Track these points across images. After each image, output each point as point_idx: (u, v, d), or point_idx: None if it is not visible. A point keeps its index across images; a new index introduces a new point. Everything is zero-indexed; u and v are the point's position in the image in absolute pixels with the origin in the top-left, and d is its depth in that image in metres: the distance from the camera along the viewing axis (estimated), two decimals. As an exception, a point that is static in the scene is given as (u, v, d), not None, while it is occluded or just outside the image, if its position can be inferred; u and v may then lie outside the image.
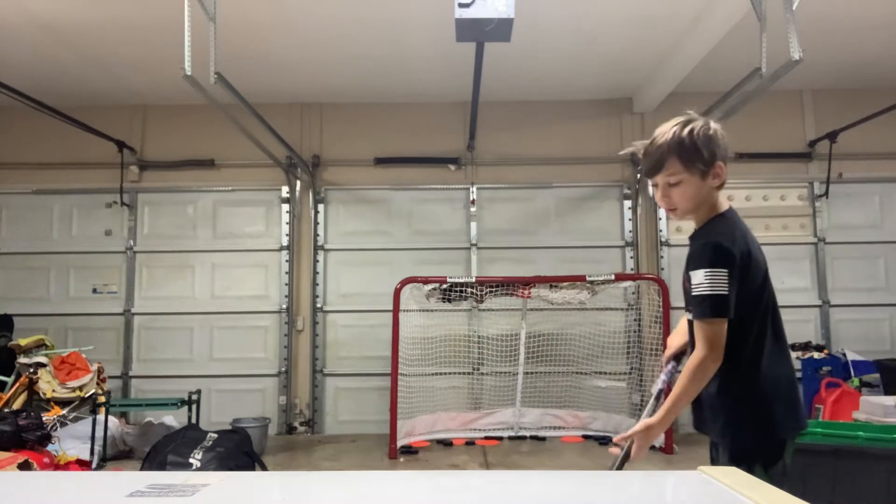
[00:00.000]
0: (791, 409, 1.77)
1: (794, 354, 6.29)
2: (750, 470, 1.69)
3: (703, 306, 1.71)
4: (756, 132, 6.85)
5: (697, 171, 1.77)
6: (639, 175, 7.09)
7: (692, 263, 1.75)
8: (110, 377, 6.37)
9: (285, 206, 7.18)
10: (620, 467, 1.76)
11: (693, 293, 1.73)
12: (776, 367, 1.77)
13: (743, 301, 1.73)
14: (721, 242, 1.71)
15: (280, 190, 7.18)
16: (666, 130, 1.80)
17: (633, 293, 6.86)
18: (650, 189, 7.10)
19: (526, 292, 6.23)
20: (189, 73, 4.16)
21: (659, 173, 1.82)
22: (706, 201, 1.82)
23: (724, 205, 1.85)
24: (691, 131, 1.76)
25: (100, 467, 5.16)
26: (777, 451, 1.75)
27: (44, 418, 4.62)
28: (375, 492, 1.08)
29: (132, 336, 7.08)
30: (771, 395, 1.75)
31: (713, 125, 1.79)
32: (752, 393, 1.75)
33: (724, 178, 1.80)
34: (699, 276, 1.71)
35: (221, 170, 7.20)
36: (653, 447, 5.84)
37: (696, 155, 1.75)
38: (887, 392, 5.63)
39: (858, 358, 6.23)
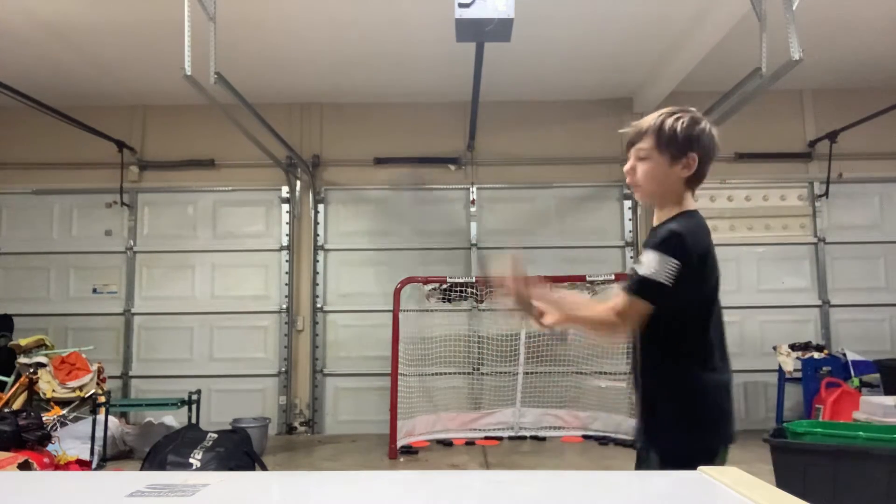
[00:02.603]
0: (726, 417, 1.74)
1: (794, 354, 6.30)
2: None
3: (638, 284, 1.68)
4: (756, 132, 6.85)
5: (668, 153, 1.78)
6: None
7: (650, 244, 1.74)
8: (110, 377, 6.37)
9: (285, 206, 7.18)
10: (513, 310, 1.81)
11: (636, 268, 1.71)
12: (717, 374, 1.74)
13: (694, 301, 1.72)
14: (685, 235, 1.69)
15: (280, 190, 7.18)
16: (658, 113, 1.84)
17: (633, 293, 6.84)
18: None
19: (526, 292, 6.21)
20: (189, 73, 4.16)
21: (633, 146, 1.85)
22: (672, 191, 1.81)
23: (692, 204, 1.84)
24: (677, 118, 1.79)
25: (100, 467, 5.16)
26: (708, 460, 1.69)
27: (44, 418, 4.62)
28: (375, 492, 1.08)
29: (132, 336, 7.08)
30: (710, 399, 1.72)
31: (705, 124, 1.80)
32: (689, 394, 1.71)
33: (694, 173, 1.78)
34: (649, 256, 1.69)
35: (221, 170, 7.20)
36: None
37: (670, 138, 1.77)
38: (887, 392, 5.63)
39: (858, 358, 6.23)
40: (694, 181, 1.81)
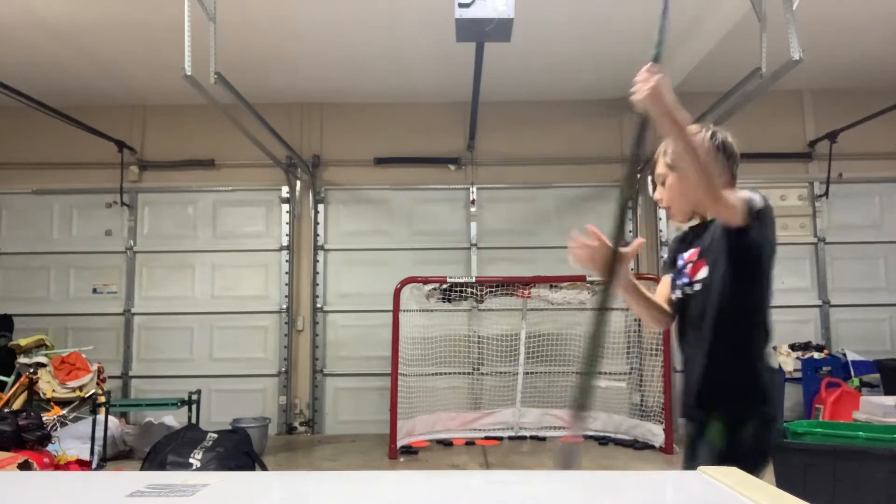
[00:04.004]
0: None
1: (794, 354, 6.31)
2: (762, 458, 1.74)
3: (745, 201, 1.74)
4: (756, 132, 6.84)
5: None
6: (638, 175, 7.09)
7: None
8: (110, 377, 6.37)
9: (285, 206, 7.18)
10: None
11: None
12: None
13: (765, 283, 1.79)
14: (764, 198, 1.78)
15: (280, 190, 7.18)
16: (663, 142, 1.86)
17: (633, 293, 6.84)
18: (649, 189, 7.10)
19: (526, 292, 6.23)
20: (189, 73, 4.17)
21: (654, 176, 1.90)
22: (700, 199, 1.86)
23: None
24: (714, 135, 1.89)
25: (100, 467, 5.16)
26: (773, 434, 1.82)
27: (44, 418, 4.62)
28: (375, 492, 1.08)
29: (132, 336, 7.08)
30: (772, 383, 1.79)
31: (703, 133, 1.89)
32: (759, 378, 1.76)
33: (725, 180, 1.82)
34: (744, 192, 1.75)
35: (221, 170, 7.20)
36: (652, 447, 5.87)
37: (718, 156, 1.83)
38: (887, 392, 5.63)
39: (858, 358, 6.23)
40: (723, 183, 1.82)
